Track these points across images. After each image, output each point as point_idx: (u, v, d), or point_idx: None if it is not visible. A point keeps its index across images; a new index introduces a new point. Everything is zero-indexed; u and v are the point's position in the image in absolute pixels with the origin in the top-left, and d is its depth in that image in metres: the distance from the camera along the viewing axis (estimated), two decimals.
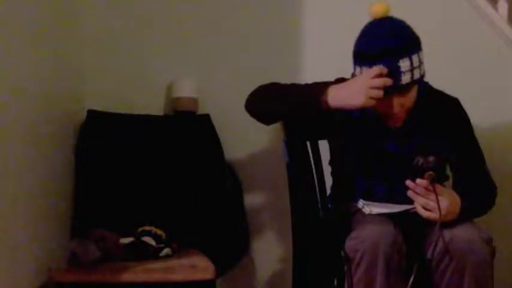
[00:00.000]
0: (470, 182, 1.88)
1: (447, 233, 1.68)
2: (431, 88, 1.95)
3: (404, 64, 1.74)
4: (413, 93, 1.81)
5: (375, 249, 1.62)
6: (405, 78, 1.74)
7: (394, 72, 1.72)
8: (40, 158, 2.00)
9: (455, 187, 1.88)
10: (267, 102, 1.88)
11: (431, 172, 1.66)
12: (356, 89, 1.72)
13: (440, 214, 1.66)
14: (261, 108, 1.90)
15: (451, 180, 1.95)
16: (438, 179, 1.71)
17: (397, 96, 1.77)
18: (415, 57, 1.75)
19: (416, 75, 1.76)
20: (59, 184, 2.17)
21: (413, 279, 1.65)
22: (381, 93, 1.71)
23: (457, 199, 1.73)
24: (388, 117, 1.86)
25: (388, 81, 1.71)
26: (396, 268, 1.64)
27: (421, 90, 1.86)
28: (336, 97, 1.74)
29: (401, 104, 1.80)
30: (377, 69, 1.72)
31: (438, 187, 1.68)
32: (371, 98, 1.70)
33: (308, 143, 2.07)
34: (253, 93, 1.92)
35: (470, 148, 1.92)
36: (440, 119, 1.90)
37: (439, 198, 1.66)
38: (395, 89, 1.74)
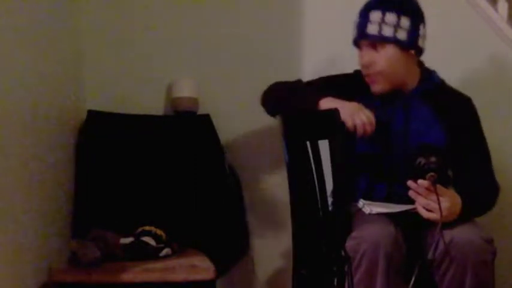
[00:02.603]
0: (473, 180, 1.88)
1: (448, 234, 1.68)
2: (444, 83, 1.98)
3: (374, 15, 1.84)
4: (386, 54, 1.85)
5: (375, 249, 1.62)
6: (371, 29, 1.84)
7: (363, 21, 1.86)
8: (40, 158, 2.00)
9: (457, 184, 1.88)
10: (274, 102, 1.99)
11: (433, 173, 1.66)
12: (344, 109, 1.76)
13: (441, 215, 1.66)
14: (270, 106, 2.01)
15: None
16: (440, 180, 1.70)
17: (367, 47, 1.87)
18: (390, 15, 1.82)
19: (387, 32, 1.82)
20: (59, 184, 2.17)
21: (415, 279, 1.65)
22: (360, 130, 1.77)
23: (458, 200, 1.73)
24: (368, 80, 1.91)
25: (367, 130, 1.78)
26: (396, 268, 1.64)
27: (429, 79, 1.93)
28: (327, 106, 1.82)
29: (372, 60, 1.86)
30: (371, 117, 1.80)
31: (439, 188, 1.68)
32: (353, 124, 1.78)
33: (308, 143, 2.06)
34: (266, 91, 2.04)
35: (477, 146, 1.93)
36: (450, 113, 1.91)
37: (440, 199, 1.66)
38: (360, 36, 1.88)
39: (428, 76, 1.97)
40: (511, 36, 2.41)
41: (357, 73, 1.99)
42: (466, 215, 1.74)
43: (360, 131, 1.78)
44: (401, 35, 1.84)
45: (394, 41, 1.84)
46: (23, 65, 1.88)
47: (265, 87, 2.46)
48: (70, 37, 2.33)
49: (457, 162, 1.89)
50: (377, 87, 1.91)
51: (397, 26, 1.83)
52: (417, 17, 1.88)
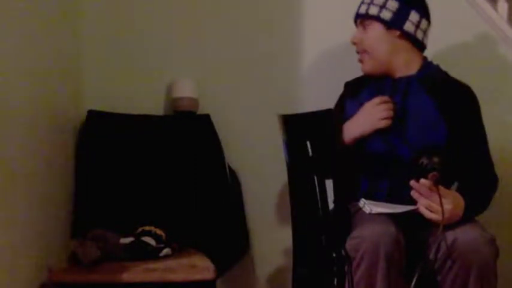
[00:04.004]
0: (474, 174, 1.88)
1: (451, 234, 1.67)
2: (444, 73, 2.01)
3: None
4: (371, 32, 1.97)
5: (376, 248, 1.62)
6: (362, 8, 2.00)
7: (359, 3, 2.02)
8: (40, 158, 2.00)
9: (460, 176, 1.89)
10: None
11: (435, 173, 1.65)
12: (367, 119, 1.92)
13: (443, 216, 1.65)
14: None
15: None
16: (443, 181, 1.69)
17: (359, 27, 2.01)
18: None
19: (372, 11, 1.95)
20: (59, 184, 2.17)
21: (417, 279, 1.65)
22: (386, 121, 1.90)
23: (460, 201, 1.72)
24: (359, 60, 2.03)
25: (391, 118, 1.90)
26: (397, 268, 1.64)
27: (429, 68, 1.99)
28: (352, 131, 1.92)
29: (361, 38, 2.00)
30: (377, 99, 1.92)
31: (442, 189, 1.68)
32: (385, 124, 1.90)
33: (308, 143, 2.06)
34: None
35: (477, 137, 1.94)
36: (450, 101, 1.92)
37: (443, 200, 1.66)
38: (355, 16, 2.03)
39: (428, 66, 2.02)
40: (511, 36, 2.41)
41: (346, 84, 2.10)
42: (468, 215, 1.73)
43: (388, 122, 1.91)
44: (386, 15, 1.94)
45: (377, 18, 1.95)
46: (23, 64, 1.88)
47: (264, 87, 2.48)
48: (70, 37, 2.33)
49: (457, 153, 1.88)
50: (364, 66, 2.02)
51: (383, 7, 1.95)
52: (409, 3, 1.95)
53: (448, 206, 1.67)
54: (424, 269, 1.68)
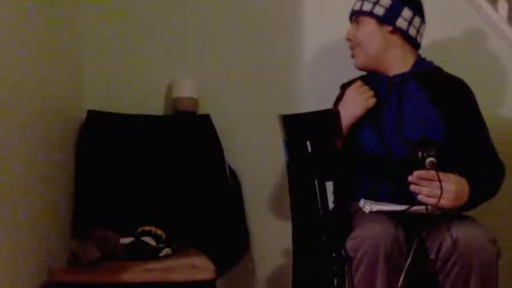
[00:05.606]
0: (478, 159, 1.88)
1: (452, 234, 1.67)
2: (438, 68, 2.03)
3: None
4: (364, 28, 2.00)
5: (376, 248, 1.62)
6: (357, 5, 2.03)
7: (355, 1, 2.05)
8: (40, 158, 2.00)
9: (461, 169, 1.88)
10: None
11: (432, 159, 1.65)
12: (355, 103, 1.96)
13: (441, 192, 1.64)
14: None
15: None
16: (441, 169, 1.69)
17: (354, 23, 2.04)
18: None
19: (365, 7, 1.98)
20: (59, 184, 2.17)
21: (416, 275, 1.64)
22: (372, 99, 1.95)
23: (464, 183, 1.72)
24: (352, 55, 2.07)
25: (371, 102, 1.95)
26: (397, 267, 1.64)
27: (423, 64, 2.00)
28: (344, 120, 1.92)
29: (354, 34, 2.03)
30: (357, 83, 2.00)
31: (441, 174, 1.68)
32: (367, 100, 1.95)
33: (308, 143, 2.06)
34: None
35: (477, 126, 1.94)
36: (446, 95, 1.93)
37: (445, 183, 1.66)
38: (351, 11, 2.06)
39: (422, 62, 2.03)
40: (511, 36, 2.41)
41: (342, 86, 2.11)
42: (475, 198, 1.74)
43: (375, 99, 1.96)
44: (378, 10, 1.97)
45: (370, 14, 1.97)
46: (23, 65, 1.88)
47: (264, 87, 2.48)
48: (70, 37, 2.33)
49: (458, 144, 1.88)
50: (357, 61, 2.05)
51: (376, 3, 1.98)
52: (402, 0, 1.97)
53: (450, 187, 1.67)
54: (419, 245, 1.67)
